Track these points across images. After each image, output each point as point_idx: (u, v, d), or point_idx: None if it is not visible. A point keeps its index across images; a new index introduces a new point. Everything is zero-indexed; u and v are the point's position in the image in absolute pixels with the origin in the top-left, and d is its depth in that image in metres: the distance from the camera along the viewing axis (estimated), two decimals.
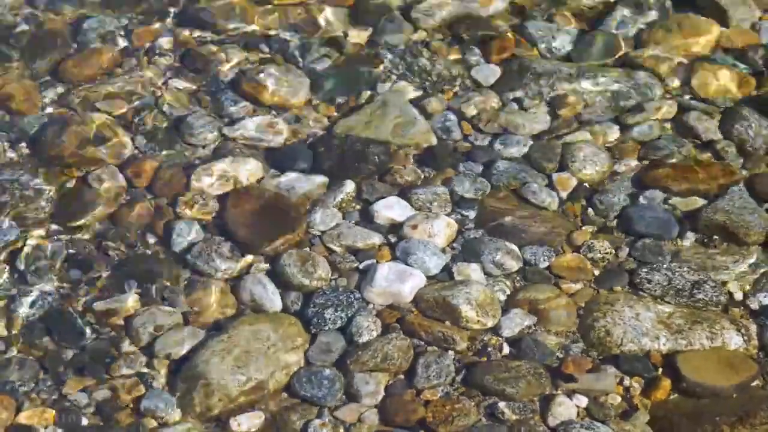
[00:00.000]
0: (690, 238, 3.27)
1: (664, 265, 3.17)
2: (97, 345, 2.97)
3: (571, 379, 2.90)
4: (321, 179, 3.38)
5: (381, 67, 3.76)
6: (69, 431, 2.81)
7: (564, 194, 3.38)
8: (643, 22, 3.93)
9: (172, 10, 3.96)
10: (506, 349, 2.98)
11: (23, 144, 3.49)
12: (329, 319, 3.00)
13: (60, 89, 3.67)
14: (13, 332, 3.01)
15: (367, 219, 3.28)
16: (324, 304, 3.03)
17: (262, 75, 3.67)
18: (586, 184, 3.40)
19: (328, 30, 3.91)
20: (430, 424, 2.81)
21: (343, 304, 3.03)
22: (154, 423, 2.82)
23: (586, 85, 3.69)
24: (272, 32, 3.89)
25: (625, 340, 2.98)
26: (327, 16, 3.94)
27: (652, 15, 3.95)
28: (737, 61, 3.80)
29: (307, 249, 3.17)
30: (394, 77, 3.74)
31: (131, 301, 3.06)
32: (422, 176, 3.41)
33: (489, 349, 2.97)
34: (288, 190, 3.34)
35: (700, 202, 3.34)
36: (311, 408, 2.85)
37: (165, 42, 3.84)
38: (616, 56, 3.81)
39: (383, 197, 3.32)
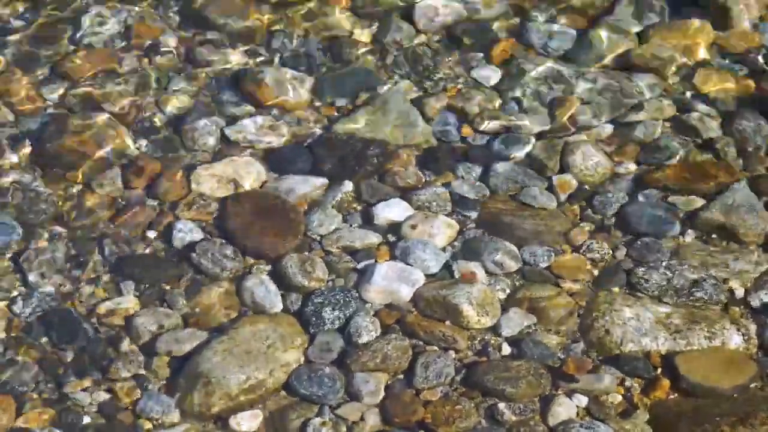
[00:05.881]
0: (690, 235, 3.27)
1: (663, 263, 3.17)
2: (98, 345, 2.98)
3: (572, 379, 2.90)
4: (320, 180, 3.38)
5: (382, 67, 3.77)
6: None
7: (563, 196, 3.37)
8: (643, 23, 3.93)
9: (174, 7, 3.97)
10: (506, 349, 2.98)
11: (25, 144, 3.49)
12: (328, 318, 3.00)
13: (61, 89, 3.67)
14: (13, 333, 3.02)
15: (366, 220, 3.29)
16: (322, 303, 3.03)
17: (263, 75, 3.68)
18: (586, 186, 3.40)
19: (330, 30, 3.91)
20: (429, 425, 2.81)
21: (341, 303, 3.03)
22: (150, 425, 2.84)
23: (585, 85, 3.68)
24: (274, 31, 3.89)
25: (624, 340, 2.98)
26: (329, 15, 3.95)
27: (653, 15, 3.95)
28: (737, 62, 3.80)
29: (307, 253, 3.17)
30: (395, 77, 3.74)
31: (131, 301, 3.07)
32: (423, 178, 3.41)
33: (489, 349, 2.97)
34: (288, 193, 3.34)
35: (700, 201, 3.34)
36: (310, 407, 2.85)
37: (166, 40, 3.84)
38: (616, 56, 3.81)
39: (384, 199, 3.32)
